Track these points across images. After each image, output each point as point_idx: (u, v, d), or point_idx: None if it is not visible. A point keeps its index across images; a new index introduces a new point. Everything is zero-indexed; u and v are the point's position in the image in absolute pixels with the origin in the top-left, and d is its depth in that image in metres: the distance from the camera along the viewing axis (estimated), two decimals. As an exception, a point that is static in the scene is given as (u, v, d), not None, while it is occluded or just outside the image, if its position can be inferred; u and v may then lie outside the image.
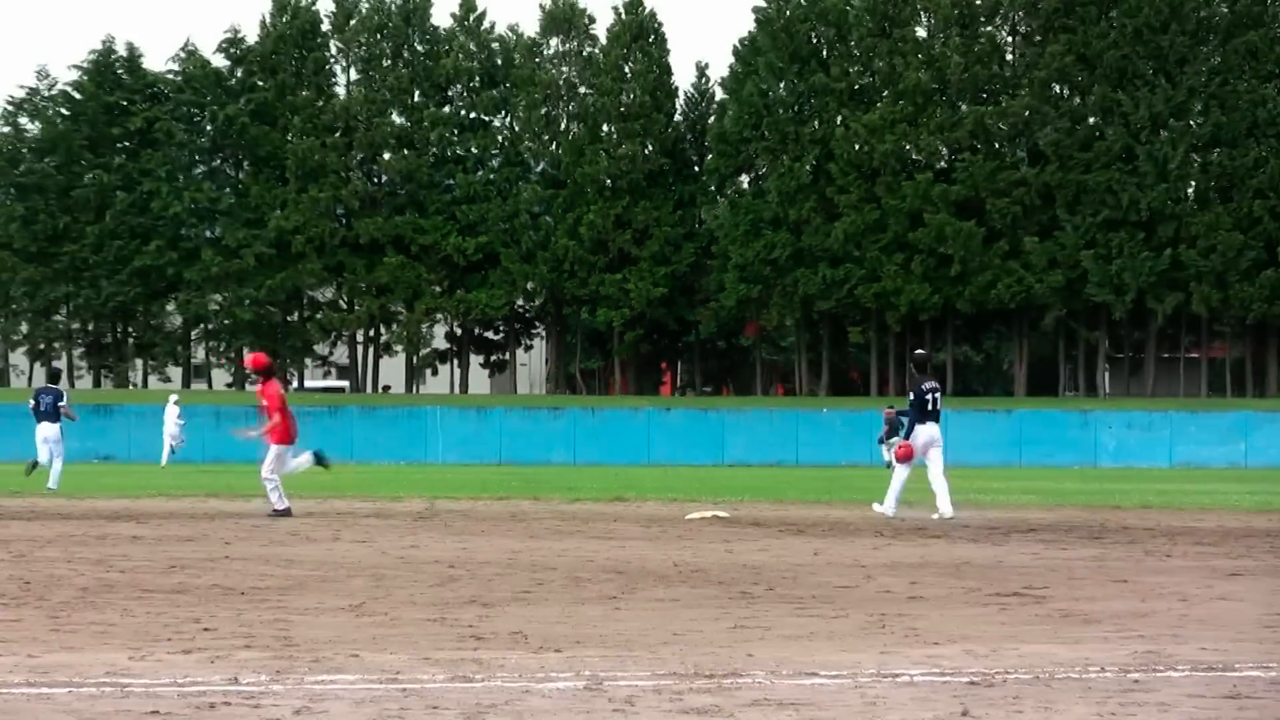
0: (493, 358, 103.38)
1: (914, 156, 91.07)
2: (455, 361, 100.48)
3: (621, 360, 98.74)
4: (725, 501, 28.60)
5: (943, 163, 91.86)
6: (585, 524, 23.47)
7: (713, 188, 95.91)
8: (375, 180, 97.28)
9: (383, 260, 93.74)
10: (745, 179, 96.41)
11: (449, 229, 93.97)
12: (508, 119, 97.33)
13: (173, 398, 55.37)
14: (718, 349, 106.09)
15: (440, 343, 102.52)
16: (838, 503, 29.43)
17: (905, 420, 25.54)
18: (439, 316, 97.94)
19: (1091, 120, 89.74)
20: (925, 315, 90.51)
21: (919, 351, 26.35)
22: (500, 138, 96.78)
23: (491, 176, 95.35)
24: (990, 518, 25.32)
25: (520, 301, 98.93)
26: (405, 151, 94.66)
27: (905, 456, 25.02)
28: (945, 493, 24.93)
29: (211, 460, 56.73)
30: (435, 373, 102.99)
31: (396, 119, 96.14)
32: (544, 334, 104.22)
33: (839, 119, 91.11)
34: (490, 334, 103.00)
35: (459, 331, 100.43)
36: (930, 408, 25.06)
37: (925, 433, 25.03)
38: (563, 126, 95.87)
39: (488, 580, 15.72)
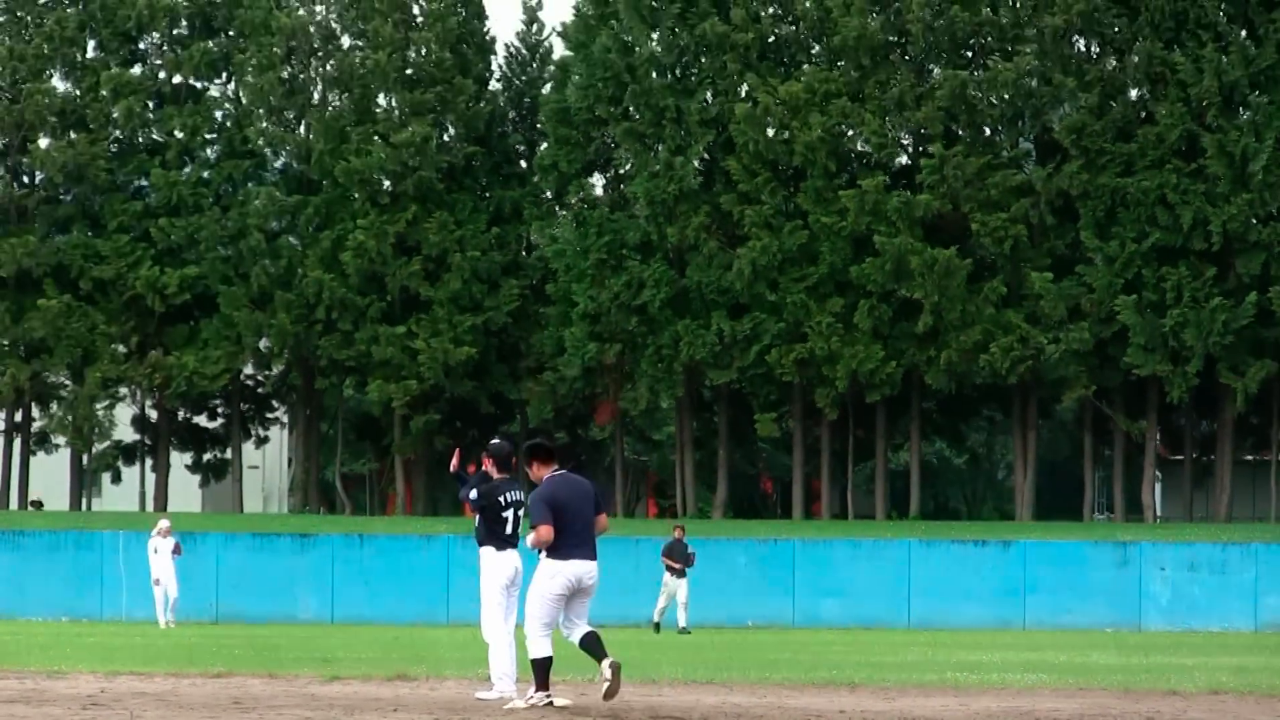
0: (206, 456, 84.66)
1: (859, 148, 75.03)
2: (148, 461, 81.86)
3: (406, 460, 79.66)
4: (567, 681, 22.08)
5: (903, 158, 76.43)
6: (350, 715, 18.93)
7: (548, 194, 78.36)
8: (24, 179, 79.79)
9: (35, 303, 75.47)
10: (598, 181, 78.69)
11: (139, 255, 76.31)
12: (230, 85, 79.92)
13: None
14: (555, 443, 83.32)
15: (125, 432, 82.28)
16: (739, 684, 23.55)
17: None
18: (123, 391, 79.67)
19: (1134, 94, 73.88)
20: (877, 394, 73.62)
21: (496, 442, 21.24)
22: (219, 114, 79.93)
23: (205, 175, 78.40)
24: (976, 710, 20.03)
25: (249, 369, 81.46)
26: (72, 134, 77.49)
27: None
28: (505, 660, 19.71)
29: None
30: (117, 479, 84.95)
31: (58, 84, 78.57)
32: (286, 420, 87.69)
33: (742, 89, 74.10)
34: (203, 419, 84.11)
35: (154, 415, 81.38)
36: (512, 528, 19.77)
37: (508, 565, 19.68)
38: (315, 97, 78.01)
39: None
